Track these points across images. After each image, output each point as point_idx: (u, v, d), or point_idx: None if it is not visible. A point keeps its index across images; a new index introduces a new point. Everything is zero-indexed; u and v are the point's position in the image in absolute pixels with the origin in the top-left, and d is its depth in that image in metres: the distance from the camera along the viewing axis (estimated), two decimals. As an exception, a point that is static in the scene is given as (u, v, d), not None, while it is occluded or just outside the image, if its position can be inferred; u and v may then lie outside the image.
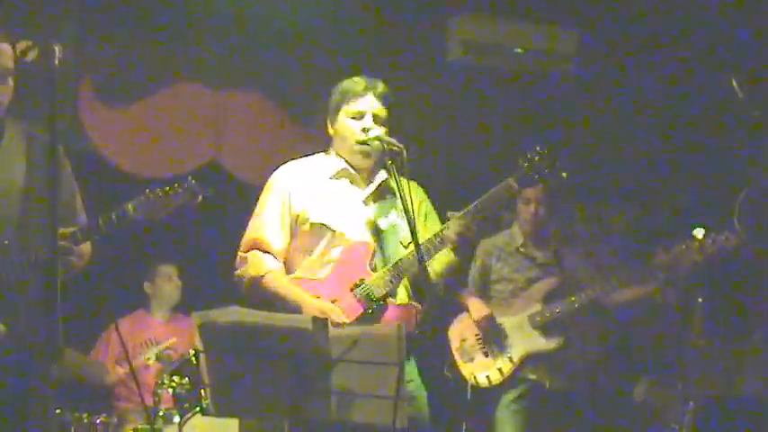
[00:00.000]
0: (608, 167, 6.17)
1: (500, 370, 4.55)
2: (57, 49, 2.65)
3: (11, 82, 2.97)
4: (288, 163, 3.47)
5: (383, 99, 3.36)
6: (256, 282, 3.29)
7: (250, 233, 3.38)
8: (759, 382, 4.93)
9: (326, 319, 2.78)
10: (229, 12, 5.34)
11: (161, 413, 4.42)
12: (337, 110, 3.38)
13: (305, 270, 3.34)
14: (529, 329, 4.57)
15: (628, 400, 5.26)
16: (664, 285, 4.46)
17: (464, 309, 4.72)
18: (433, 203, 3.54)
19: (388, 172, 3.25)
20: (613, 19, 5.89)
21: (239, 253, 3.38)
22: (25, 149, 3.01)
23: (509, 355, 4.55)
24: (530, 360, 4.55)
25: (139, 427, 4.53)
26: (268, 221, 3.36)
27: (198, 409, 4.19)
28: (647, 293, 4.54)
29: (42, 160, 2.92)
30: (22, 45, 2.90)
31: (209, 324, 2.71)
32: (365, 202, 3.39)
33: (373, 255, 3.30)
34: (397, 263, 3.25)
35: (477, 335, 4.64)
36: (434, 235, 3.24)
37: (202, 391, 2.78)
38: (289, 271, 3.36)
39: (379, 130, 3.31)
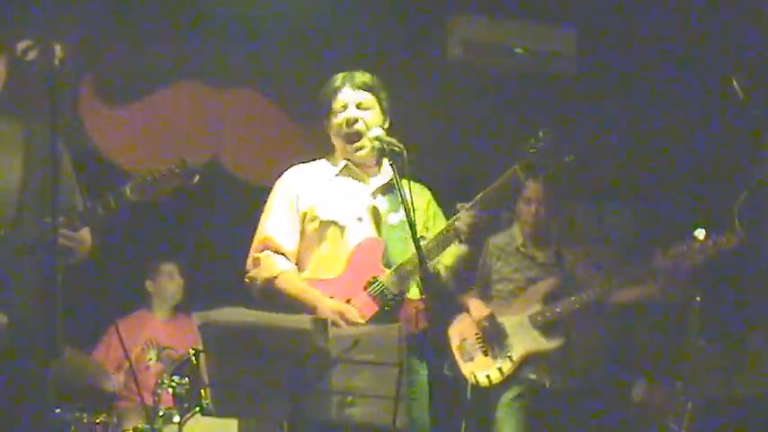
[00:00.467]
0: (608, 167, 6.17)
1: (500, 369, 4.54)
2: (57, 48, 2.65)
3: (2, 67, 2.96)
4: (294, 166, 3.48)
5: (364, 86, 3.36)
6: (269, 283, 3.28)
7: (260, 234, 3.37)
8: (758, 382, 4.93)
9: (326, 319, 2.78)
10: (229, 11, 5.34)
11: (161, 413, 4.41)
12: (328, 106, 3.40)
13: (315, 268, 3.32)
14: (529, 329, 4.56)
15: (627, 401, 5.26)
16: (663, 286, 4.45)
17: (464, 309, 4.72)
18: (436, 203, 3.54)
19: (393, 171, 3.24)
20: (613, 19, 5.89)
21: (251, 255, 3.36)
22: (23, 145, 3.01)
23: (509, 354, 4.55)
24: (530, 360, 4.55)
25: (139, 426, 4.53)
26: (277, 222, 3.36)
27: (198, 408, 4.18)
28: (646, 295, 4.54)
29: (41, 156, 2.92)
30: (22, 44, 2.89)
31: (209, 324, 2.71)
32: (373, 196, 3.38)
33: (385, 251, 3.28)
34: (409, 260, 3.22)
35: (477, 334, 4.64)
36: (446, 227, 3.22)
37: (202, 390, 2.78)
38: (299, 270, 3.35)
39: (379, 130, 3.30)
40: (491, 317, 4.60)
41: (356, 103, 3.35)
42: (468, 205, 3.22)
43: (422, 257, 3.01)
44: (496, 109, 6.10)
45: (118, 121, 5.41)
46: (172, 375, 4.40)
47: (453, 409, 4.66)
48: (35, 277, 2.88)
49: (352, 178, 3.41)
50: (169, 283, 5.41)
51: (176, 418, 4.32)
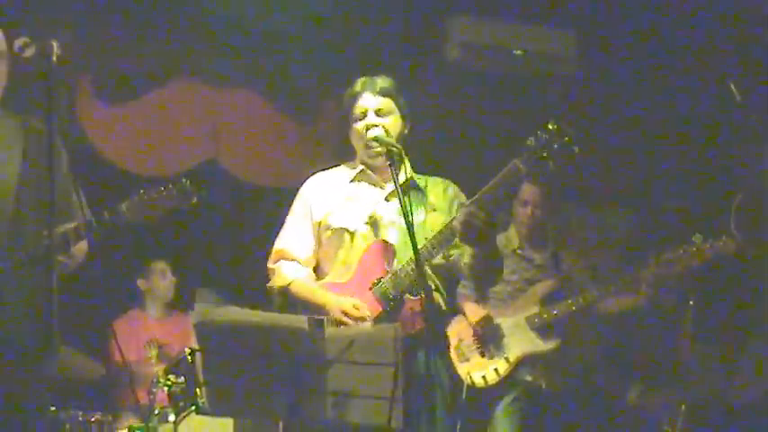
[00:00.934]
0: (605, 170, 6.17)
1: (496, 370, 4.55)
2: (54, 45, 2.65)
3: (3, 67, 2.96)
4: (315, 174, 3.52)
5: (383, 92, 3.37)
6: (284, 291, 3.36)
7: (276, 245, 3.45)
8: (752, 385, 4.94)
9: (323, 319, 2.78)
10: (228, 10, 5.34)
11: (156, 412, 4.41)
12: (348, 111, 3.40)
13: (334, 274, 3.38)
14: (526, 330, 4.57)
15: (622, 403, 5.27)
16: (650, 296, 4.45)
17: (460, 311, 4.72)
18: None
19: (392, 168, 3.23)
20: (612, 21, 5.90)
21: (268, 265, 3.45)
22: (21, 144, 3.00)
23: (505, 355, 4.55)
24: (526, 361, 4.55)
25: (134, 425, 4.52)
26: (292, 232, 3.43)
27: (193, 407, 4.19)
28: (634, 305, 4.53)
29: (39, 155, 2.91)
30: (19, 41, 2.88)
31: (205, 323, 2.71)
32: (387, 200, 3.39)
33: (393, 253, 3.29)
34: (408, 261, 3.23)
35: (473, 335, 4.64)
36: (444, 226, 3.22)
37: (198, 389, 2.77)
38: (320, 278, 3.41)
39: (379, 130, 3.31)
40: (487, 320, 4.60)
41: (376, 108, 3.36)
42: (467, 203, 3.21)
43: (418, 259, 3.01)
44: (495, 111, 6.10)
45: (115, 120, 5.40)
46: (167, 374, 4.39)
47: (449, 410, 4.65)
48: (31, 281, 2.87)
49: (368, 183, 3.43)
50: (161, 281, 5.41)
51: (171, 417, 4.32)
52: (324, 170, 3.53)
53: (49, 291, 2.50)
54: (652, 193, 6.20)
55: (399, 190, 3.06)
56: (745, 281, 5.38)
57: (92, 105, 5.35)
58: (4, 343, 2.89)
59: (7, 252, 2.89)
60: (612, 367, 5.39)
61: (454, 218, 3.18)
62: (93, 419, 4.42)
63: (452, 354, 4.65)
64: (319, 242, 3.41)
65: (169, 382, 4.35)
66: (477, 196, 3.17)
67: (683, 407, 4.70)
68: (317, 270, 3.43)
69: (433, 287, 3.28)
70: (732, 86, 3.95)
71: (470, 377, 4.59)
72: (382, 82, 3.39)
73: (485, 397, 4.59)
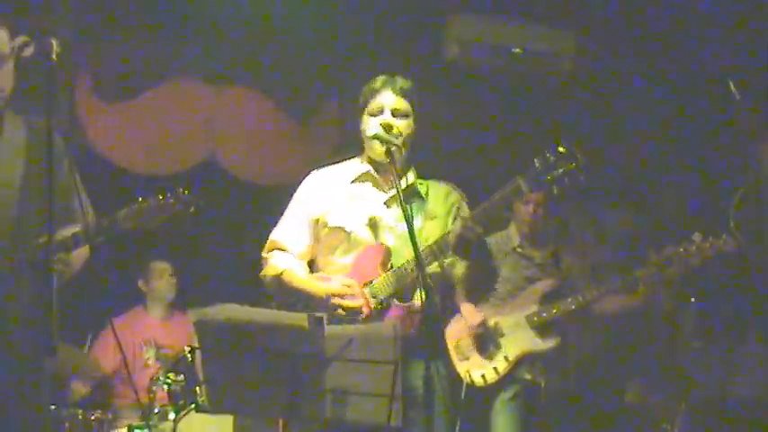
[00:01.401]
0: (605, 169, 6.17)
1: (495, 369, 4.55)
2: (54, 44, 2.65)
3: (9, 67, 2.95)
4: (317, 169, 3.52)
5: (402, 93, 3.37)
6: (276, 280, 3.38)
7: (272, 235, 3.49)
8: (751, 383, 4.94)
9: (322, 317, 2.78)
10: (228, 9, 5.34)
11: (156, 410, 4.41)
12: (362, 110, 3.40)
13: (328, 273, 3.40)
14: (525, 329, 4.57)
15: (621, 401, 5.27)
16: (645, 298, 4.44)
17: (459, 311, 4.73)
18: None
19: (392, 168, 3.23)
20: (611, 20, 5.90)
21: (262, 254, 3.48)
22: (25, 144, 3.00)
23: (505, 354, 4.56)
24: (526, 359, 4.55)
25: (134, 423, 4.53)
26: (288, 225, 3.47)
27: (193, 405, 4.19)
28: (637, 303, 4.53)
29: (42, 157, 2.91)
30: (19, 40, 2.88)
31: (205, 321, 2.72)
32: (387, 205, 3.39)
33: (388, 256, 3.31)
34: (401, 266, 3.26)
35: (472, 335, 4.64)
36: (439, 238, 3.23)
37: (198, 388, 2.78)
38: (313, 272, 3.44)
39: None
40: (483, 324, 4.60)
41: (393, 107, 3.35)
42: (466, 216, 3.22)
43: (420, 260, 3.01)
44: (494, 110, 6.10)
45: (115, 119, 5.40)
46: (167, 372, 4.39)
47: (448, 409, 4.66)
48: (31, 280, 2.88)
49: (371, 185, 3.43)
50: (161, 281, 5.41)
51: (171, 416, 4.32)
52: (327, 166, 3.53)
53: (49, 291, 2.50)
54: (652, 192, 6.20)
55: (399, 188, 3.06)
56: (745, 280, 5.38)
57: (91, 104, 5.35)
58: (5, 342, 2.89)
59: (10, 252, 2.89)
60: (612, 366, 5.39)
61: (450, 230, 3.20)
62: (92, 418, 4.42)
63: (452, 352, 4.66)
64: (316, 238, 3.43)
65: (169, 381, 4.35)
66: (476, 211, 3.19)
67: (683, 405, 4.70)
68: (311, 265, 3.46)
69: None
70: (732, 85, 3.95)
71: (470, 376, 4.59)
72: (403, 82, 3.39)
73: (484, 396, 4.60)
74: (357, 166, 3.48)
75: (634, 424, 5.22)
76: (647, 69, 6.01)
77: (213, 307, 2.75)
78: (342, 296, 3.23)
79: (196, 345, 2.74)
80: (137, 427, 4.47)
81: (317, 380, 2.70)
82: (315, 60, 5.55)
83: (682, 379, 4.89)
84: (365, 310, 3.21)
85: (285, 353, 2.68)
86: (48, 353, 2.53)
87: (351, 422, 2.74)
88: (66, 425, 4.33)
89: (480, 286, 3.40)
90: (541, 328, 4.57)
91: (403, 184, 3.36)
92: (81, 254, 3.02)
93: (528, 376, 4.57)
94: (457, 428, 4.68)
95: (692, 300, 4.72)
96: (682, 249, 4.31)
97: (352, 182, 3.44)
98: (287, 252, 3.43)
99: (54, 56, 2.63)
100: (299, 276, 3.38)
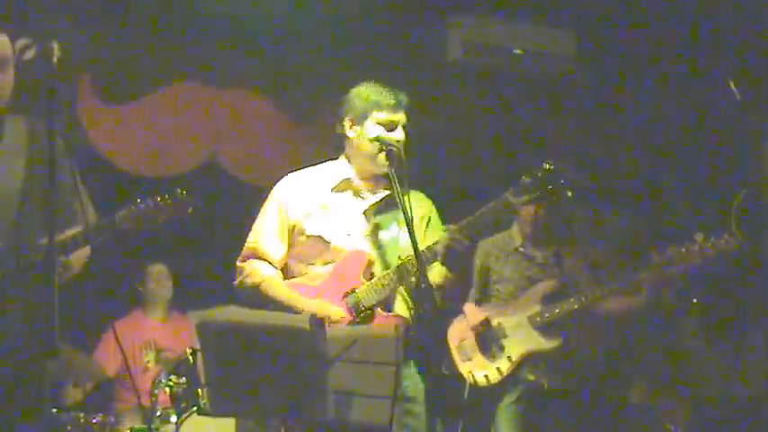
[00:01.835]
0: (607, 168, 6.17)
1: (498, 369, 4.54)
2: (55, 47, 2.65)
3: (11, 71, 2.95)
4: (291, 173, 3.50)
5: (407, 108, 3.40)
6: (255, 290, 3.35)
7: (248, 243, 3.44)
8: (754, 383, 4.94)
9: (324, 318, 2.78)
10: (229, 11, 5.34)
11: (158, 413, 4.41)
12: (364, 115, 3.38)
13: (305, 279, 3.37)
14: (528, 329, 4.56)
15: (624, 402, 5.27)
16: (648, 298, 4.44)
17: (461, 312, 4.73)
18: (435, 205, 3.53)
19: (389, 177, 3.24)
20: (612, 20, 5.90)
21: (237, 263, 3.43)
22: (27, 147, 3.00)
23: (508, 354, 4.55)
24: (529, 360, 4.55)
25: (136, 426, 4.52)
26: (265, 232, 3.41)
27: (195, 408, 4.18)
28: (639, 303, 4.52)
29: (43, 158, 2.91)
30: (20, 43, 2.89)
31: (206, 323, 2.71)
32: (365, 215, 3.39)
33: (370, 265, 3.31)
34: (386, 274, 3.26)
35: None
36: (427, 248, 3.23)
37: (199, 390, 2.77)
38: (287, 279, 3.39)
39: (380, 130, 3.33)
40: (486, 323, 4.60)
41: (403, 123, 3.37)
42: (452, 227, 3.22)
43: (420, 259, 3.02)
44: (496, 110, 6.10)
45: (116, 121, 5.40)
46: (169, 375, 4.39)
47: (451, 409, 4.66)
48: (32, 283, 2.87)
49: (351, 194, 3.42)
50: (158, 284, 5.40)
51: (173, 418, 4.32)
52: (302, 169, 3.50)
53: (50, 293, 2.50)
54: (654, 192, 6.19)
55: (398, 189, 3.07)
56: (747, 279, 5.37)
57: (92, 106, 5.35)
58: (6, 344, 2.89)
59: (11, 254, 2.89)
60: (615, 366, 5.38)
61: (436, 241, 3.20)
62: (94, 421, 4.42)
63: (454, 353, 4.66)
64: (291, 244, 3.39)
65: (171, 383, 4.35)
66: (462, 223, 3.19)
67: (686, 406, 4.70)
68: (284, 271, 3.41)
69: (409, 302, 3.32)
70: (732, 85, 3.95)
71: (473, 376, 4.59)
72: (404, 97, 3.40)
73: (487, 396, 4.59)
74: (336, 171, 3.46)
75: (637, 424, 5.21)
76: (648, 70, 6.01)
77: (214, 309, 2.75)
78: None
79: (197, 347, 2.73)
80: (139, 430, 4.47)
81: (319, 381, 2.69)
82: (316, 62, 5.54)
83: (685, 379, 4.89)
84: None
85: (287, 355, 2.68)
86: (50, 355, 2.53)
87: (353, 423, 2.73)
88: (69, 428, 4.33)
89: (454, 296, 3.41)
90: (544, 328, 4.56)
91: (381, 194, 3.38)
92: (81, 255, 3.01)
93: (531, 377, 4.56)
94: (460, 429, 4.69)
95: (694, 300, 4.71)
96: (684, 249, 4.30)
97: (332, 190, 3.42)
98: (265, 261, 3.38)
99: (55, 59, 2.62)
100: (281, 287, 3.34)
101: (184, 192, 3.00)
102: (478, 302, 4.74)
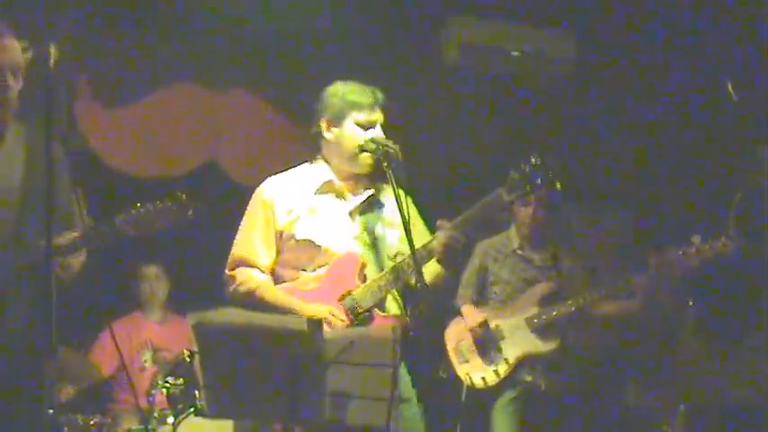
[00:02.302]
0: (604, 170, 6.17)
1: (496, 371, 4.55)
2: (53, 49, 2.65)
3: (21, 79, 2.95)
4: (272, 177, 3.47)
5: (384, 106, 3.39)
6: (250, 296, 3.31)
7: (235, 251, 3.39)
8: (750, 385, 4.94)
9: (321, 320, 2.78)
10: (228, 12, 5.34)
11: (155, 414, 4.41)
12: (342, 116, 3.37)
13: (298, 284, 3.35)
14: (525, 331, 4.57)
15: (621, 403, 5.27)
16: (643, 303, 4.44)
17: (459, 314, 4.73)
18: (429, 205, 3.54)
19: (385, 175, 3.24)
20: (610, 22, 5.90)
21: (225, 272, 3.39)
22: (25, 151, 3.00)
23: (505, 357, 4.55)
24: (526, 362, 4.55)
25: (134, 428, 4.52)
26: (252, 238, 3.38)
27: (192, 409, 4.19)
28: (636, 305, 4.53)
29: (41, 162, 2.91)
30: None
31: (203, 325, 2.71)
32: (351, 216, 3.39)
33: (363, 267, 3.31)
34: (382, 275, 3.26)
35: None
36: (422, 246, 3.23)
37: (197, 391, 2.78)
38: (276, 284, 3.37)
39: (377, 131, 3.33)
40: (484, 324, 4.60)
41: (373, 119, 3.36)
42: (447, 225, 3.22)
43: (415, 256, 3.02)
44: (494, 112, 6.10)
45: (114, 123, 5.40)
46: (166, 376, 4.39)
47: (448, 412, 4.66)
48: (30, 284, 2.88)
49: (334, 196, 3.41)
50: (152, 285, 5.40)
51: (170, 420, 4.31)
52: (281, 173, 3.48)
53: (49, 295, 2.50)
54: (651, 194, 6.20)
55: (396, 192, 3.07)
56: (744, 282, 5.38)
57: (90, 108, 5.35)
58: (5, 345, 2.89)
59: (10, 257, 2.89)
60: (611, 368, 5.39)
61: (432, 238, 3.21)
62: (92, 422, 4.41)
63: (451, 355, 4.66)
64: (279, 250, 3.36)
65: (168, 385, 4.35)
66: (457, 219, 3.19)
67: (682, 407, 4.70)
68: (273, 276, 3.38)
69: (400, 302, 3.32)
70: (729, 86, 3.96)
71: (470, 378, 4.59)
72: (380, 95, 3.39)
73: (484, 398, 4.60)
74: (316, 173, 3.44)
75: (634, 426, 5.21)
76: (647, 70, 6.01)
77: (212, 311, 2.75)
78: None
79: (194, 348, 2.73)
80: (136, 431, 4.47)
81: (317, 383, 2.70)
82: (314, 63, 5.54)
83: (681, 381, 4.89)
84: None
85: (284, 356, 2.68)
86: (48, 356, 2.53)
87: (350, 425, 2.73)
88: (66, 429, 4.33)
89: (446, 293, 3.43)
90: (541, 331, 4.56)
91: (365, 194, 3.38)
92: (79, 259, 3.02)
93: (528, 378, 4.57)
94: (457, 431, 4.69)
95: (691, 302, 4.71)
96: (681, 251, 4.31)
97: (316, 193, 3.40)
98: (254, 267, 3.35)
99: (52, 61, 2.63)
100: (276, 291, 3.31)
101: (185, 195, 3.00)
102: (476, 304, 4.75)
